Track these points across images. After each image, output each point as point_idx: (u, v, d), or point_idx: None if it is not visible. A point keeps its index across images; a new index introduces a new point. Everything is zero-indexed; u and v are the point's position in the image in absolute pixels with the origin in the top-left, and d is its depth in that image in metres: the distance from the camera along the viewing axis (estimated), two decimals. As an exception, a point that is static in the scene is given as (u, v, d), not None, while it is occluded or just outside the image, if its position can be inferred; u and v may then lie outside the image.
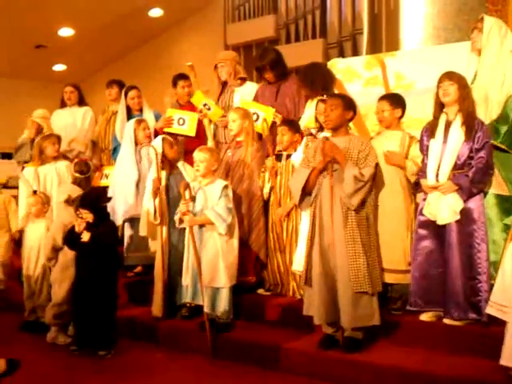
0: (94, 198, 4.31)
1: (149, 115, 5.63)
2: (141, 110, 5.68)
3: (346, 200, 3.58)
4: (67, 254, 4.39)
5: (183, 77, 5.54)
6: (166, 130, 5.30)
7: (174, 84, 5.60)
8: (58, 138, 5.44)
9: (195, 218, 4.10)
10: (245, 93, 5.26)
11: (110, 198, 4.68)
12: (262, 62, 5.04)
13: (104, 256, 4.16)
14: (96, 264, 4.12)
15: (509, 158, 3.83)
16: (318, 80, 4.66)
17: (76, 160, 5.56)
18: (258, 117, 5.00)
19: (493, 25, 4.02)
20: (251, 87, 5.32)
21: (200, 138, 5.35)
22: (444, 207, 3.65)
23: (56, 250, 4.44)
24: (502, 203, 3.82)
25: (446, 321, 3.67)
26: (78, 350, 4.20)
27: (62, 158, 5.47)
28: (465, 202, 3.62)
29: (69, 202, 4.53)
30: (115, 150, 5.58)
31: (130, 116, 5.60)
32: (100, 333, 4.14)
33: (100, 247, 4.13)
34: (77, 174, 5.06)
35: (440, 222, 3.67)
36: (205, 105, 5.22)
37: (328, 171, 3.65)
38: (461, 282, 3.60)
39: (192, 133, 5.33)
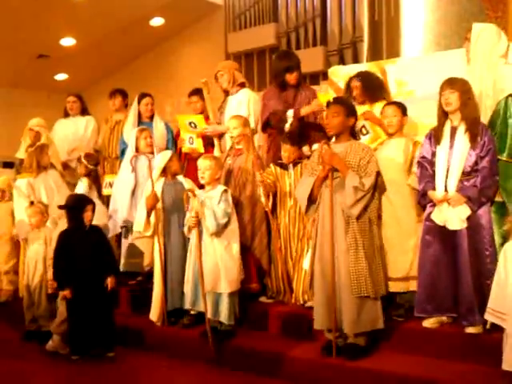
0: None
1: (160, 124, 5.69)
2: (151, 118, 5.72)
3: (347, 210, 3.59)
4: None
5: (195, 93, 5.64)
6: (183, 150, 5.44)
7: (189, 97, 5.74)
8: (47, 147, 5.48)
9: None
10: (236, 101, 5.22)
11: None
12: (290, 62, 4.83)
13: (101, 258, 4.26)
14: (94, 267, 4.22)
15: (507, 167, 3.74)
16: (377, 87, 4.62)
17: (83, 153, 5.56)
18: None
19: (481, 32, 3.99)
20: (242, 95, 5.22)
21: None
22: (452, 215, 3.64)
23: None
24: (499, 210, 3.80)
25: (470, 329, 3.57)
26: (80, 359, 4.18)
27: (50, 166, 5.48)
28: (475, 212, 3.60)
29: None
30: (123, 153, 5.59)
31: (139, 123, 5.64)
32: (106, 334, 4.21)
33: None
34: (91, 166, 5.26)
35: (450, 227, 3.66)
36: (190, 123, 5.31)
37: (329, 179, 3.65)
38: (473, 286, 3.57)
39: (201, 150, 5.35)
